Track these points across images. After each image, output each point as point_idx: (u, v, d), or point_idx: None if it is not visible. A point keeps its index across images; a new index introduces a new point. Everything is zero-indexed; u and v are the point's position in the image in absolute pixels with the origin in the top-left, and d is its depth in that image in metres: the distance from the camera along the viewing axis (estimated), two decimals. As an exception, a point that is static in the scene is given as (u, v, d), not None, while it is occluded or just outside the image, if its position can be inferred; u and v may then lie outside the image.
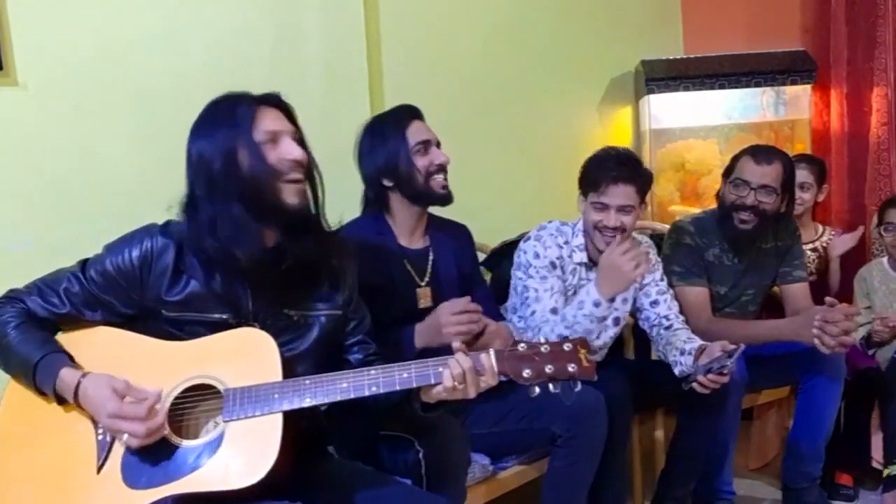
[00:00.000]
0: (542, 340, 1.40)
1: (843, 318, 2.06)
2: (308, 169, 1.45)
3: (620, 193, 2.04)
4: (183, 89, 2.22)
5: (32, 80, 2.00)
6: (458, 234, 2.10)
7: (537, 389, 1.38)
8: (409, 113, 1.96)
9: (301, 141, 1.45)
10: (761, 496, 2.55)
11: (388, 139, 1.92)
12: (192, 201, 1.42)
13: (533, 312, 2.07)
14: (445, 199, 1.95)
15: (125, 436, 1.28)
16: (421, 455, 1.59)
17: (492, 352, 1.38)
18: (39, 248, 2.00)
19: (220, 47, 2.30)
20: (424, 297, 1.93)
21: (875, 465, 2.52)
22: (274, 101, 1.44)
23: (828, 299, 2.13)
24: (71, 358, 1.37)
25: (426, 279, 1.95)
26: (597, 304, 1.97)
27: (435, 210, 2.02)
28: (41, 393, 1.36)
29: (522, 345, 1.38)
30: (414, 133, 1.92)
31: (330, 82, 2.52)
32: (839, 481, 2.50)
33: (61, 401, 1.36)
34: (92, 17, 2.09)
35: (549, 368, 1.36)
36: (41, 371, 1.34)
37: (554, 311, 2.05)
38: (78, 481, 1.30)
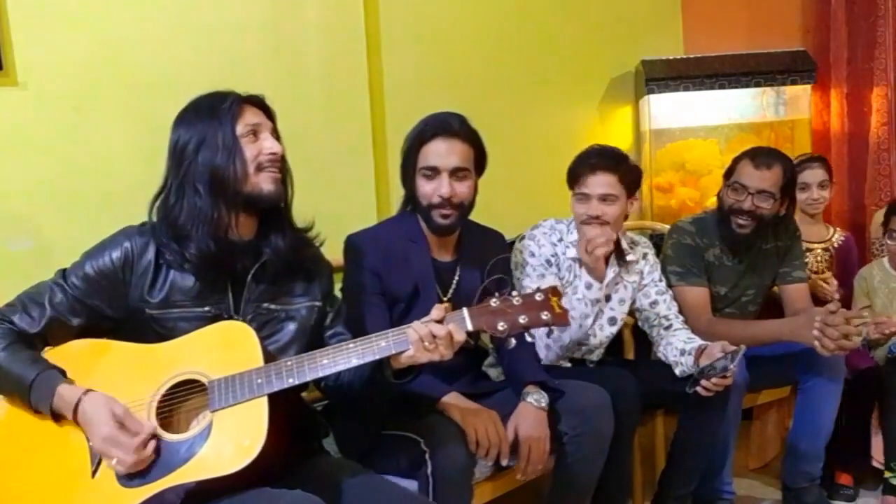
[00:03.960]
0: (515, 294, 1.42)
1: (844, 322, 2.07)
2: (283, 163, 1.51)
3: (600, 182, 2.07)
4: (183, 90, 2.20)
5: (32, 80, 2.00)
6: (490, 245, 2.03)
7: (513, 341, 1.40)
8: (433, 129, 1.83)
9: (278, 138, 1.52)
10: (761, 496, 2.55)
11: (406, 152, 1.87)
12: (163, 190, 1.47)
13: None
14: (441, 230, 1.86)
15: (114, 460, 1.29)
16: (427, 455, 1.58)
17: (465, 310, 1.40)
18: (39, 248, 2.00)
19: (221, 47, 2.30)
20: (447, 311, 1.90)
21: (875, 464, 2.52)
22: (256, 101, 1.51)
23: (830, 305, 2.13)
24: (63, 373, 1.38)
25: (449, 294, 1.92)
26: (588, 287, 2.02)
27: (472, 214, 1.96)
28: (36, 412, 1.36)
29: (494, 300, 1.40)
30: (426, 155, 1.83)
31: (330, 82, 2.52)
32: (839, 481, 2.50)
33: (57, 418, 1.36)
34: (91, 17, 2.09)
35: (522, 319, 1.38)
36: (36, 390, 1.34)
37: None
38: (74, 487, 1.32)
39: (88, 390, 1.34)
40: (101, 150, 2.11)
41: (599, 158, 2.09)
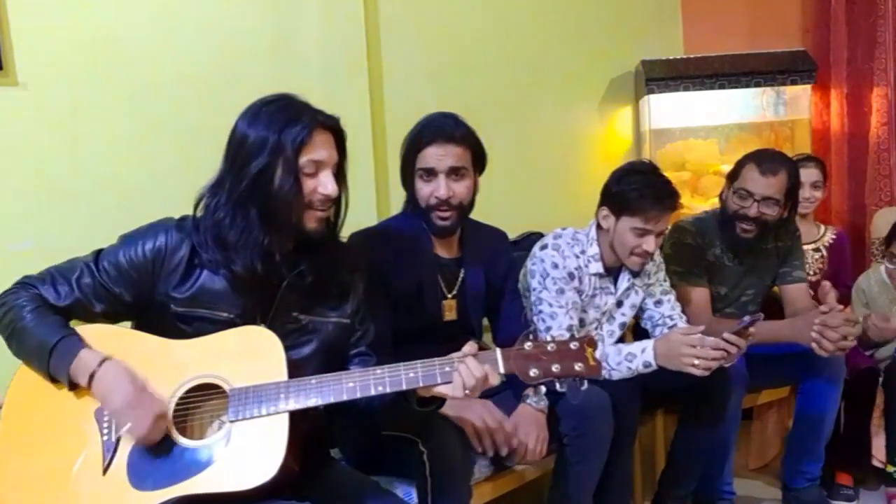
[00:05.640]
0: (549, 339, 1.39)
1: (843, 324, 2.07)
2: (338, 200, 1.47)
3: (666, 220, 2.04)
4: (183, 89, 2.23)
5: (32, 80, 2.00)
6: (493, 244, 2.03)
7: (544, 388, 1.38)
8: (429, 135, 1.83)
9: (340, 172, 1.47)
10: (761, 496, 2.55)
11: (404, 155, 1.87)
12: (220, 183, 1.42)
13: (548, 328, 2.02)
14: (441, 231, 1.87)
15: (127, 425, 1.28)
16: (425, 456, 1.58)
17: (498, 351, 1.38)
18: (39, 248, 2.00)
19: (220, 47, 2.30)
20: (450, 309, 1.90)
21: (876, 464, 2.53)
22: (332, 125, 1.45)
23: (828, 304, 2.13)
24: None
25: (454, 291, 1.92)
26: (647, 366, 1.93)
27: (473, 214, 1.96)
28: (52, 379, 1.34)
29: (529, 343, 1.38)
30: (423, 158, 1.83)
31: (330, 82, 2.52)
32: (839, 481, 2.50)
33: (72, 386, 1.34)
34: (92, 17, 2.09)
35: (555, 367, 1.36)
36: (58, 353, 1.32)
37: (570, 328, 2.01)
38: (83, 483, 1.29)
39: (108, 357, 1.33)
40: (101, 151, 2.11)
41: (671, 199, 2.01)
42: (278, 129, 1.38)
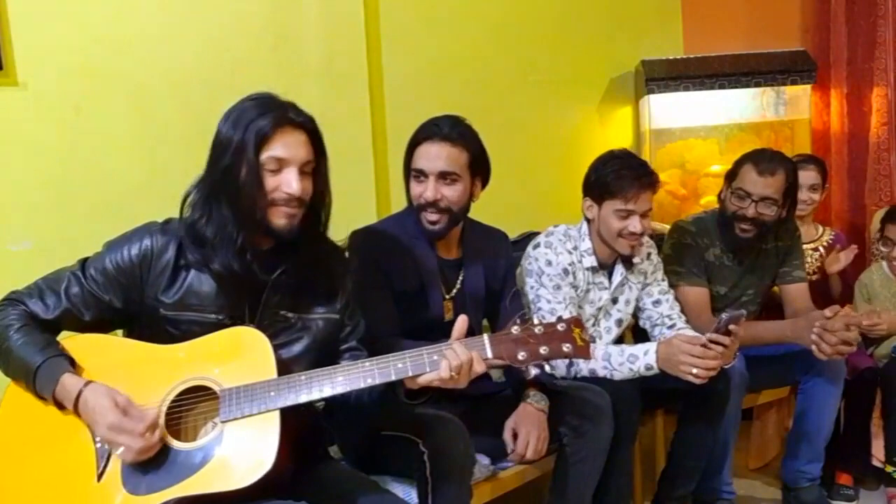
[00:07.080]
0: (536, 322, 1.40)
1: (843, 328, 2.07)
2: (311, 198, 1.45)
3: (648, 199, 2.06)
4: (182, 89, 2.23)
5: (32, 80, 2.01)
6: (493, 244, 2.03)
7: (533, 371, 1.39)
8: (425, 133, 1.83)
9: (318, 171, 1.46)
10: (761, 496, 2.55)
11: (405, 156, 1.87)
12: (202, 181, 1.43)
13: None
14: (430, 234, 1.85)
15: (120, 448, 1.28)
16: (425, 456, 1.57)
17: (486, 337, 1.38)
18: (39, 248, 2.00)
19: (220, 47, 2.30)
20: (447, 309, 1.90)
21: (876, 464, 2.53)
22: (302, 122, 1.43)
23: (831, 308, 2.13)
24: (72, 362, 1.36)
25: (453, 292, 1.93)
26: (648, 368, 1.95)
27: (473, 214, 1.96)
28: (41, 398, 1.35)
29: (516, 327, 1.38)
30: (416, 157, 1.84)
31: (330, 82, 2.52)
32: (839, 481, 2.50)
33: (60, 406, 1.34)
34: (92, 17, 2.09)
35: (543, 350, 1.37)
36: (42, 376, 1.32)
37: None
38: (78, 489, 1.30)
39: (90, 381, 1.32)
40: (102, 150, 2.11)
41: (648, 177, 2.04)
42: (244, 126, 1.38)
